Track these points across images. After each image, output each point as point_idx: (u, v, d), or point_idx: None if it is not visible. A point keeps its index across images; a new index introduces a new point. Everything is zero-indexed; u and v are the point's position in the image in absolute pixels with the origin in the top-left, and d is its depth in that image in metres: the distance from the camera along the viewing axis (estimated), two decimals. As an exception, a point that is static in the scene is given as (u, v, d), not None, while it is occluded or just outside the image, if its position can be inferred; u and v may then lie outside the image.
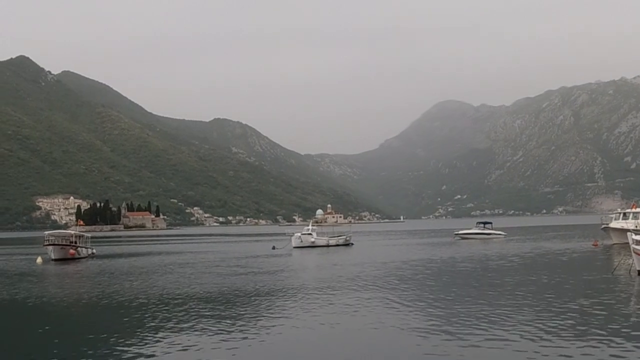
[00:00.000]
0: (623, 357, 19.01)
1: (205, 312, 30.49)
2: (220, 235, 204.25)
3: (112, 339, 24.22)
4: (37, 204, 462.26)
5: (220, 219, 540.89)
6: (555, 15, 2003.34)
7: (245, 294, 36.95)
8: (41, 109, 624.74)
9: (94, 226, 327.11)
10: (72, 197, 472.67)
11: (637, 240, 41.05)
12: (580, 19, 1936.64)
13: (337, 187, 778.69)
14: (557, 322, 24.68)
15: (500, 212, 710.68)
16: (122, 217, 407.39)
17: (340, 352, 21.49)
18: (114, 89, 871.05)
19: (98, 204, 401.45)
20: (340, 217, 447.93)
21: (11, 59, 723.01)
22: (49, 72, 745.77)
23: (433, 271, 48.88)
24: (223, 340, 23.23)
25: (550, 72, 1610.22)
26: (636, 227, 67.44)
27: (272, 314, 29.49)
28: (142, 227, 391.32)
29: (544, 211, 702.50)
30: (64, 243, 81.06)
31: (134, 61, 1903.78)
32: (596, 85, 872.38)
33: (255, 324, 26.57)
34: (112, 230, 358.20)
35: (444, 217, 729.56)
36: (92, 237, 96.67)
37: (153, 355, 21.23)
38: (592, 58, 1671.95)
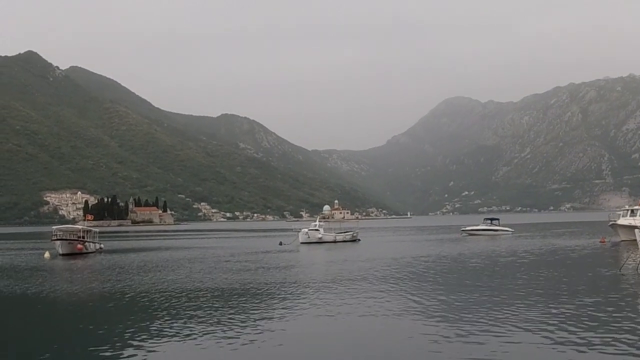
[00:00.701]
0: (629, 354, 19.08)
1: (216, 308, 30.58)
2: (228, 230, 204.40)
3: (122, 335, 24.38)
4: (45, 199, 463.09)
5: (228, 215, 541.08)
6: (563, 12, 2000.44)
7: (255, 290, 37.04)
8: (49, 104, 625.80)
9: (101, 221, 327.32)
10: (79, 192, 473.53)
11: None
12: (588, 16, 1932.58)
13: (345, 183, 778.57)
14: (564, 319, 24.76)
15: (508, 208, 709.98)
16: (129, 213, 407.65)
17: (350, 349, 21.61)
18: (122, 84, 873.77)
19: (106, 199, 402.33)
20: (348, 213, 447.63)
21: (19, 54, 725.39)
22: (57, 67, 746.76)
23: (441, 268, 48.85)
24: (233, 337, 23.32)
25: (558, 68, 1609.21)
26: (644, 224, 67.18)
27: (282, 309, 29.60)
28: (149, 222, 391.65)
29: (552, 208, 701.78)
30: (71, 238, 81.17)
31: (141, 57, 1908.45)
32: (604, 82, 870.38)
33: (266, 321, 26.67)
34: (119, 225, 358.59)
35: (451, 214, 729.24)
36: (99, 232, 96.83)
37: (164, 351, 21.39)
38: (600, 55, 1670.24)
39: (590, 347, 19.86)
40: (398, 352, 20.47)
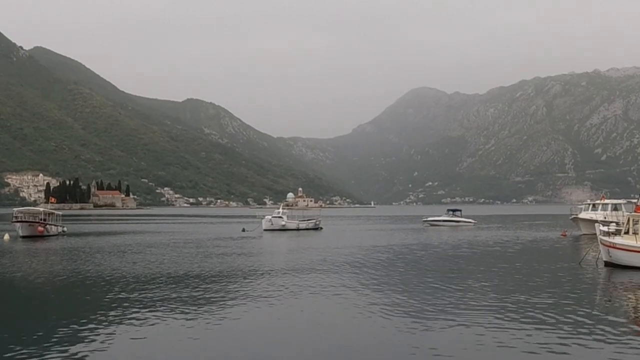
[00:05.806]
0: (585, 346, 19.17)
1: (174, 294, 30.24)
2: (191, 216, 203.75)
3: (77, 321, 24.00)
4: (6, 180, 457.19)
5: (191, 200, 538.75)
6: (532, 6, 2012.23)
7: (215, 277, 36.78)
8: (12, 85, 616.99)
9: (63, 204, 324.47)
10: (41, 175, 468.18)
11: (604, 232, 41.48)
12: (556, 11, 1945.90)
13: (309, 170, 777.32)
14: (522, 311, 24.84)
15: (471, 200, 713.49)
16: (91, 196, 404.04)
17: (307, 338, 21.51)
18: (87, 66, 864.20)
19: (68, 182, 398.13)
20: (311, 201, 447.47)
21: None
22: (21, 47, 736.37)
23: (400, 257, 48.90)
24: (190, 324, 23.11)
25: (525, 62, 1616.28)
26: (604, 218, 68.09)
27: (241, 297, 29.38)
28: (111, 206, 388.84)
29: (514, 200, 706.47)
30: (32, 220, 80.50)
31: (107, 39, 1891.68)
32: (570, 77, 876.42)
33: (223, 309, 26.44)
34: (81, 208, 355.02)
35: (414, 204, 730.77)
36: (62, 215, 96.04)
37: (117, 338, 21.11)
38: (567, 50, 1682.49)
39: (546, 339, 19.92)
40: (356, 341, 20.41)
